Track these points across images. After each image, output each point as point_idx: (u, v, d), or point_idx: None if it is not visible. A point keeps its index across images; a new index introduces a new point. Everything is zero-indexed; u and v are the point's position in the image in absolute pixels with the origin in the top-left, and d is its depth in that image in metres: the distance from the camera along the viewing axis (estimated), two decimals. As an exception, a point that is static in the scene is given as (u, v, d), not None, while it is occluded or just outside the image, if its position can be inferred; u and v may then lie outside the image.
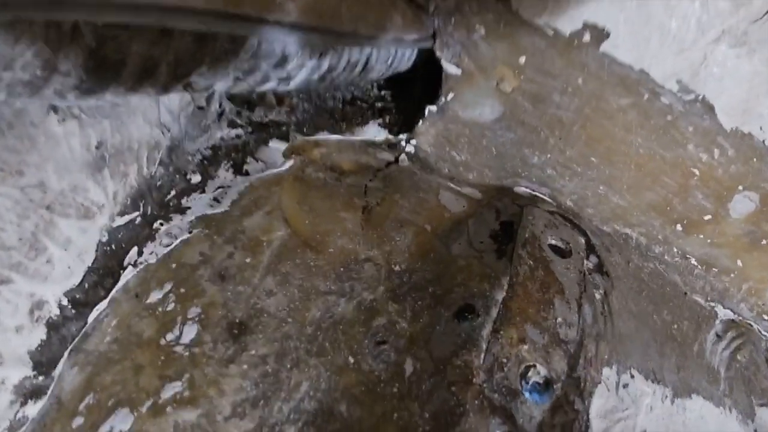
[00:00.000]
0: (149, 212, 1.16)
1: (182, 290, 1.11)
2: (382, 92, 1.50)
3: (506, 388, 1.08)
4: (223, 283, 1.13)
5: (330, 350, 1.09)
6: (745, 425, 1.36)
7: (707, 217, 1.36)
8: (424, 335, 1.11)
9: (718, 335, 1.46)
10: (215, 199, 1.23)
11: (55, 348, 1.05)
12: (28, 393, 1.02)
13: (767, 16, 1.08)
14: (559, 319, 1.18)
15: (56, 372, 1.04)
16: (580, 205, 1.38)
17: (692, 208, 1.36)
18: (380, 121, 1.43)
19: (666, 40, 1.14)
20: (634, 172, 1.32)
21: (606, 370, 1.20)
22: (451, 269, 1.21)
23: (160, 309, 1.10)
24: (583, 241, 1.35)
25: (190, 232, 1.17)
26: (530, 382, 1.10)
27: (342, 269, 1.19)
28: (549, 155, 1.34)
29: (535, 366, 1.11)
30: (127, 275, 1.12)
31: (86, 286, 1.08)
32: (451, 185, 1.38)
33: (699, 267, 1.43)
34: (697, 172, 1.31)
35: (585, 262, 1.32)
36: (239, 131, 1.32)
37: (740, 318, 1.44)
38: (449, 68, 1.32)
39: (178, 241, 1.16)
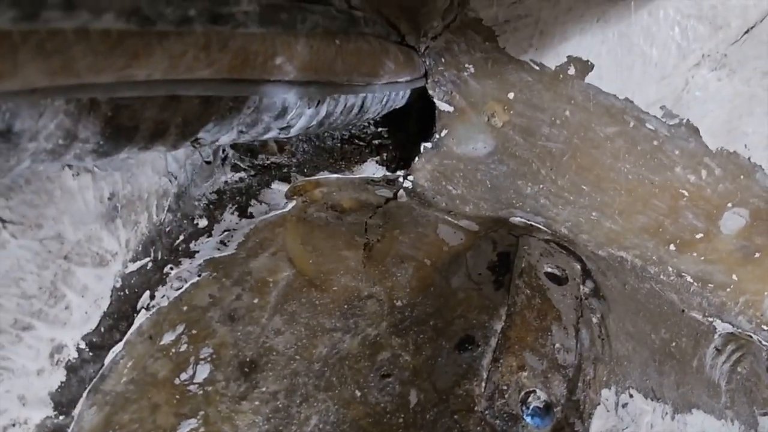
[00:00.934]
0: (159, 257, 1.23)
1: (194, 331, 1.18)
2: (379, 129, 1.57)
3: (507, 414, 1.13)
4: (232, 323, 1.20)
5: (337, 384, 1.15)
6: (748, 437, 1.40)
7: (699, 236, 1.41)
8: (426, 367, 1.17)
9: (717, 349, 1.51)
10: (222, 242, 1.30)
11: (74, 389, 1.11)
12: (48, 432, 1.08)
13: (745, 37, 1.15)
14: (557, 345, 1.24)
15: (75, 412, 1.10)
16: (574, 232, 1.45)
17: (684, 228, 1.42)
18: (378, 158, 1.51)
19: (648, 67, 1.22)
20: (624, 197, 1.38)
21: (605, 392, 1.25)
22: (451, 302, 1.27)
23: (173, 350, 1.16)
24: (578, 267, 1.41)
25: (199, 275, 1.25)
26: (531, 407, 1.16)
27: (346, 306, 1.25)
28: (541, 185, 1.41)
29: (535, 391, 1.17)
30: (141, 318, 1.19)
31: (102, 330, 1.14)
32: (449, 218, 1.44)
33: (695, 284, 1.48)
34: (686, 193, 1.37)
35: (581, 287, 1.38)
36: (242, 174, 1.39)
37: (739, 330, 1.49)
38: (442, 106, 1.39)
39: (188, 284, 1.23)
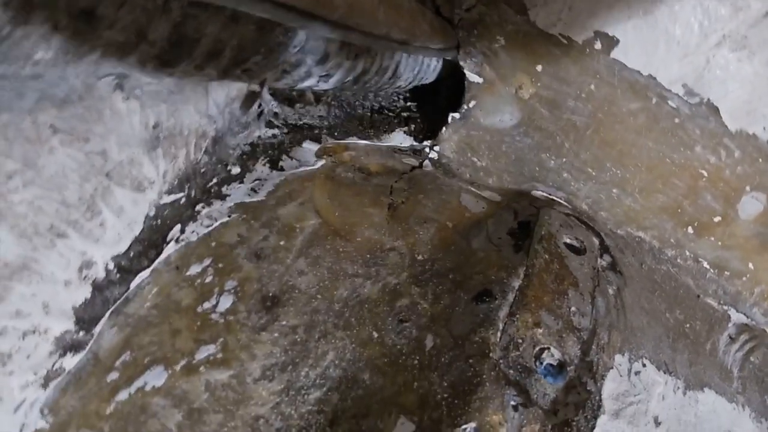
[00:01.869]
0: (193, 195, 1.27)
1: (220, 265, 1.21)
2: (408, 104, 1.62)
3: (521, 365, 1.14)
4: (258, 261, 1.22)
5: (356, 325, 1.17)
6: (759, 423, 1.38)
7: (717, 219, 1.42)
8: (444, 315, 1.19)
9: (731, 337, 1.50)
10: (253, 189, 1.33)
11: (98, 308, 1.14)
12: (68, 346, 1.10)
13: (765, 20, 1.18)
14: (573, 308, 1.25)
15: (96, 330, 1.12)
16: (594, 209, 1.46)
17: (702, 210, 1.43)
18: (406, 129, 1.55)
19: (671, 45, 1.25)
20: (645, 174, 1.40)
21: (618, 357, 1.25)
22: (471, 259, 1.29)
23: (198, 281, 1.19)
24: (597, 241, 1.42)
25: (229, 216, 1.28)
26: (544, 363, 1.16)
27: (368, 256, 1.27)
28: (564, 159, 1.44)
29: (549, 348, 1.18)
30: (170, 249, 1.21)
31: (131, 254, 1.17)
32: (472, 189, 1.47)
33: (711, 270, 1.48)
34: (705, 174, 1.38)
35: (599, 260, 1.39)
36: (276, 131, 1.44)
37: (753, 323, 1.48)
38: (471, 77, 1.43)
39: (217, 223, 1.27)
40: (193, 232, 1.25)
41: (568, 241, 1.38)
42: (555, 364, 1.17)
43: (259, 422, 1.05)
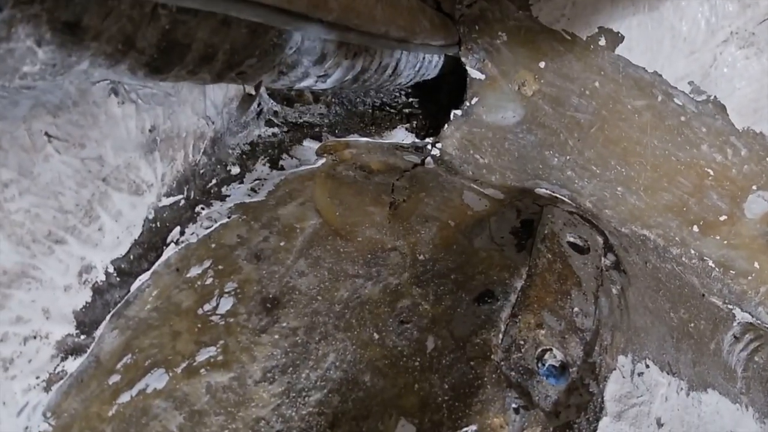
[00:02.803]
0: (192, 196, 1.27)
1: (220, 267, 1.21)
2: (410, 99, 1.61)
3: (523, 367, 1.13)
4: (258, 262, 1.22)
5: (356, 326, 1.17)
6: (762, 424, 1.38)
7: (723, 218, 1.41)
8: (445, 316, 1.18)
9: (735, 336, 1.49)
10: (252, 189, 1.33)
11: (99, 311, 1.14)
12: (69, 350, 1.11)
13: (773, 17, 1.16)
14: (576, 309, 1.25)
15: (97, 333, 1.13)
16: (598, 207, 1.45)
17: (708, 208, 1.41)
18: (407, 125, 1.54)
19: (677, 42, 1.23)
20: (650, 172, 1.39)
21: (621, 359, 1.24)
22: (473, 260, 1.28)
23: (198, 283, 1.19)
24: (601, 240, 1.41)
25: (228, 217, 1.28)
26: (546, 365, 1.16)
27: (369, 256, 1.27)
28: (568, 157, 1.42)
29: (551, 350, 1.17)
30: (170, 251, 1.22)
31: (131, 257, 1.18)
32: (474, 186, 1.46)
33: (716, 269, 1.47)
34: (711, 173, 1.37)
35: (602, 259, 1.38)
36: (275, 130, 1.43)
37: (759, 322, 1.47)
38: (473, 73, 1.42)
39: (217, 224, 1.27)
40: (192, 233, 1.25)
41: (571, 239, 1.37)
42: (557, 365, 1.17)
43: (260, 424, 1.06)
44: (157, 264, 1.21)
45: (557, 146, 1.42)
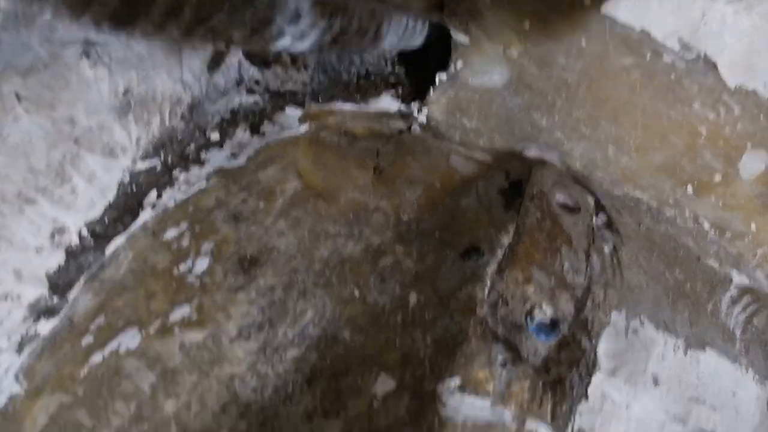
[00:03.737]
0: (169, 161, 1.25)
1: (197, 228, 1.19)
2: (396, 69, 1.59)
3: (510, 322, 1.10)
4: (236, 223, 1.20)
5: (336, 284, 1.14)
6: (763, 386, 1.33)
7: (717, 178, 1.37)
8: (429, 273, 1.15)
9: (733, 299, 1.45)
10: (233, 155, 1.32)
11: (72, 274, 1.12)
12: (42, 311, 1.09)
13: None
14: (566, 266, 1.21)
15: (71, 295, 1.11)
16: (589, 168, 1.42)
17: (701, 168, 1.38)
18: (393, 92, 1.51)
19: (664, -2, 1.21)
20: (641, 132, 1.36)
21: (614, 315, 1.21)
22: (459, 218, 1.26)
23: (175, 244, 1.17)
24: (592, 200, 1.38)
25: (207, 181, 1.26)
26: (536, 321, 1.13)
27: (352, 216, 1.24)
28: (557, 118, 1.40)
29: (540, 306, 1.14)
30: (146, 215, 1.20)
31: (106, 220, 1.16)
32: (462, 150, 1.44)
33: (712, 231, 1.43)
34: (704, 132, 1.33)
35: (594, 219, 1.35)
36: (257, 98, 1.42)
37: (756, 285, 1.43)
38: (458, 37, 1.40)
39: (195, 188, 1.25)
40: (170, 197, 1.23)
41: (561, 200, 1.34)
42: (547, 321, 1.14)
43: (235, 381, 1.03)
44: (132, 227, 1.19)
45: (545, 107, 1.40)
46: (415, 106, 1.49)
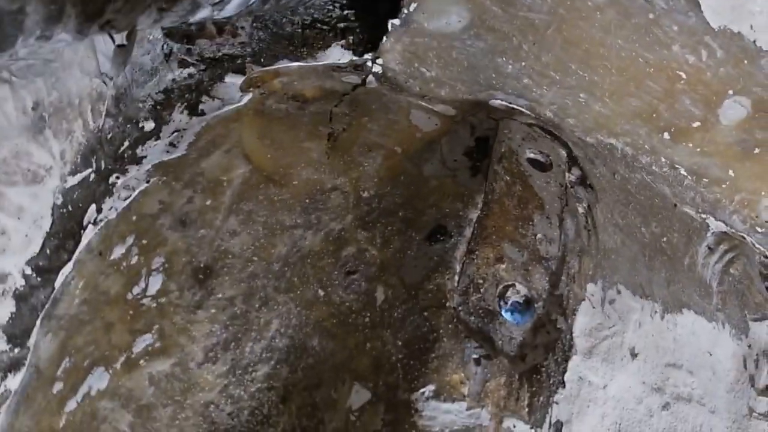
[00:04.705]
0: (103, 167, 1.18)
1: (144, 241, 1.14)
2: (345, 12, 1.46)
3: (483, 309, 1.10)
4: (184, 229, 1.16)
5: (299, 285, 1.12)
6: (739, 340, 1.38)
7: (696, 124, 1.33)
8: (395, 261, 1.13)
9: (709, 248, 1.47)
10: (171, 144, 1.24)
11: (27, 318, 1.10)
12: (6, 367, 1.08)
13: None
14: (539, 236, 1.19)
15: (31, 342, 1.10)
16: (560, 116, 1.36)
17: (680, 114, 1.33)
18: (343, 42, 1.40)
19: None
20: (616, 76, 1.29)
21: (590, 287, 1.20)
22: (423, 191, 1.21)
23: (124, 263, 1.13)
24: (564, 153, 1.33)
25: (147, 182, 1.19)
26: (509, 302, 1.12)
27: (308, 201, 1.20)
28: (524, 63, 1.31)
29: (514, 285, 1.13)
30: (89, 234, 1.15)
31: (48, 251, 1.11)
32: (422, 103, 1.36)
33: (689, 177, 1.41)
34: (683, 76, 1.27)
35: (567, 175, 1.31)
36: (191, 70, 1.30)
37: (733, 230, 1.43)
38: (407, -26, 1.28)
39: (136, 192, 1.19)
40: (111, 208, 1.18)
41: (531, 156, 1.29)
42: (521, 301, 1.13)
43: (210, 409, 1.04)
44: (77, 251, 1.14)
45: (510, 52, 1.31)
46: (368, 56, 1.38)
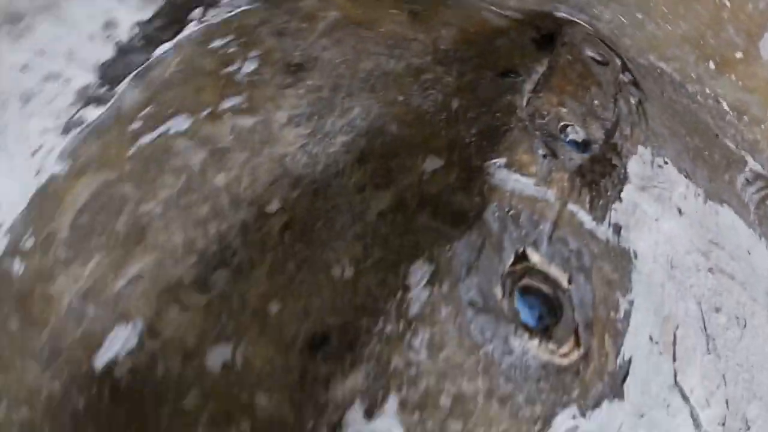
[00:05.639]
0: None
1: (243, 39, 1.28)
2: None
3: (547, 131, 1.21)
4: (281, 37, 1.29)
5: (381, 89, 1.23)
6: (775, 256, 1.45)
7: (738, 55, 1.50)
8: (469, 86, 1.26)
9: (747, 180, 1.57)
10: (272, -13, 1.41)
11: (120, 69, 1.20)
12: (90, 98, 1.16)
13: None
14: (596, 102, 1.33)
15: (119, 89, 1.19)
16: (617, 34, 1.55)
17: (725, 43, 1.51)
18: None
19: None
20: (668, -3, 1.49)
21: (641, 148, 1.32)
22: (494, 51, 1.37)
23: (221, 51, 1.26)
24: (619, 61, 1.50)
25: (251, 5, 1.35)
26: (568, 139, 1.23)
27: (391, 42, 1.35)
28: (586, -21, 1.53)
29: (573, 125, 1.25)
30: (191, 28, 1.28)
31: (155, 25, 1.24)
32: (493, 8, 1.55)
33: (730, 113, 1.55)
34: (728, 4, 1.46)
35: (621, 75, 1.47)
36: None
37: (768, 173, 1.56)
38: None
39: (239, 9, 1.34)
40: (214, 15, 1.32)
41: (590, 54, 1.46)
42: (579, 140, 1.24)
43: (286, 159, 1.11)
44: (179, 36, 1.27)
45: (576, -31, 1.53)
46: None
